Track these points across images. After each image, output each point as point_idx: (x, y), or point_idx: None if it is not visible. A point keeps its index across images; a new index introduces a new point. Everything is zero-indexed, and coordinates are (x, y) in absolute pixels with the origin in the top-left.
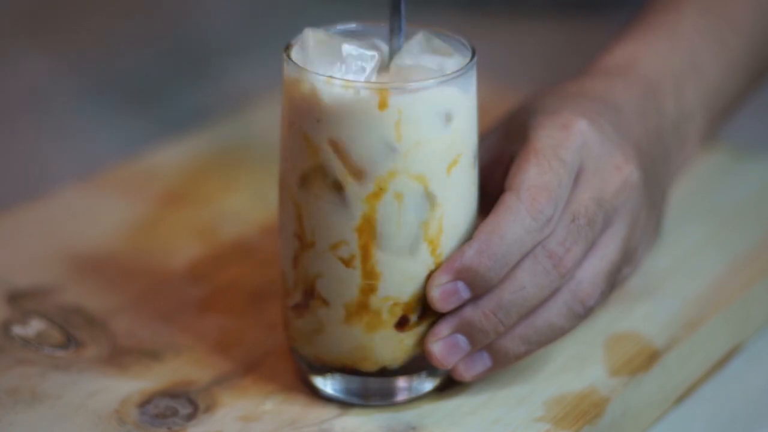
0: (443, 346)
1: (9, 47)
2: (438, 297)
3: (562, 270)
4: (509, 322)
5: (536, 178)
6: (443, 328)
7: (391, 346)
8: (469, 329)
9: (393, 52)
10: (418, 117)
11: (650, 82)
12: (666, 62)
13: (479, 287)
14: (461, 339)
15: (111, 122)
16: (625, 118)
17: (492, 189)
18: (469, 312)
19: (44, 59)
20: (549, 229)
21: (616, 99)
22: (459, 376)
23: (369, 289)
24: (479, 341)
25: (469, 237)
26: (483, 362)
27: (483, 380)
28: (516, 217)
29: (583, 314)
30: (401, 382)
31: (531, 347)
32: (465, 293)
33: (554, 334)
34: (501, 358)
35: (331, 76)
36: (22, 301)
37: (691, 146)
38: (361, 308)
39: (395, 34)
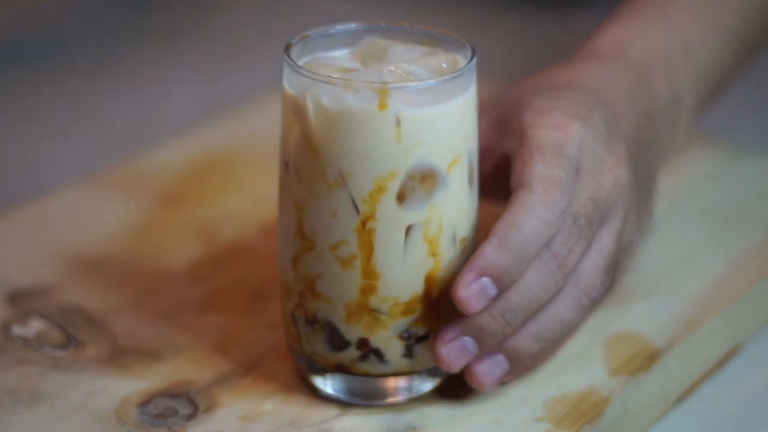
0: (451, 349)
1: (8, 45)
2: (466, 298)
3: (565, 270)
4: (516, 323)
5: (545, 172)
6: (450, 332)
7: (391, 345)
8: (477, 332)
9: None
10: (417, 117)
11: (641, 66)
12: (656, 44)
13: (504, 282)
14: (468, 342)
15: (111, 122)
16: (615, 110)
17: (480, 179)
18: (470, 323)
19: (43, 58)
20: (562, 221)
21: (606, 89)
22: (479, 385)
23: (369, 289)
24: (487, 343)
25: (468, 237)
26: (500, 366)
27: None
28: (531, 211)
29: (588, 305)
30: (401, 382)
31: (544, 344)
32: (492, 290)
33: (564, 328)
34: (516, 358)
35: (330, 76)
36: (22, 301)
37: (682, 128)
38: (361, 308)
39: None
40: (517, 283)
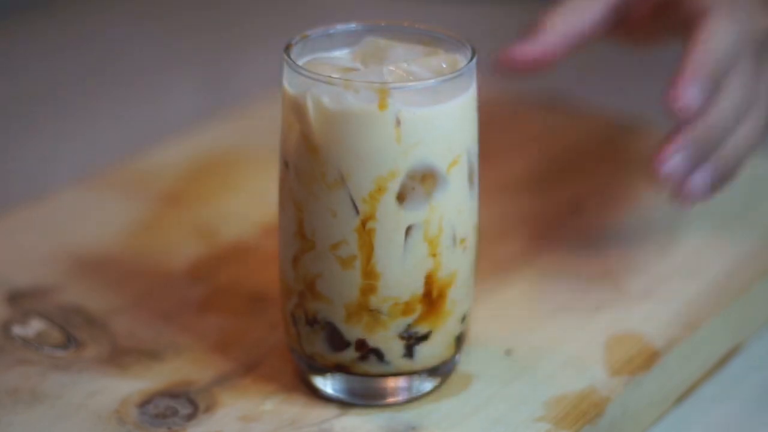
0: (671, 164)
1: (8, 46)
2: (683, 102)
3: (756, 95)
4: (720, 137)
5: (717, 3)
6: (668, 149)
7: (391, 345)
8: (692, 144)
9: None
10: (417, 117)
11: None
12: None
13: (715, 80)
14: (684, 157)
15: (111, 122)
16: None
17: (636, 21)
18: (688, 133)
19: (43, 58)
20: (741, 45)
21: None
22: (692, 196)
23: (369, 289)
24: (699, 155)
25: (468, 237)
26: (709, 176)
27: (483, 380)
28: (715, 32)
29: (766, 127)
30: (401, 382)
31: (738, 158)
32: (708, 85)
33: (750, 146)
34: (719, 170)
35: (330, 76)
36: (22, 301)
37: None
38: (361, 308)
39: None
40: (717, 103)
